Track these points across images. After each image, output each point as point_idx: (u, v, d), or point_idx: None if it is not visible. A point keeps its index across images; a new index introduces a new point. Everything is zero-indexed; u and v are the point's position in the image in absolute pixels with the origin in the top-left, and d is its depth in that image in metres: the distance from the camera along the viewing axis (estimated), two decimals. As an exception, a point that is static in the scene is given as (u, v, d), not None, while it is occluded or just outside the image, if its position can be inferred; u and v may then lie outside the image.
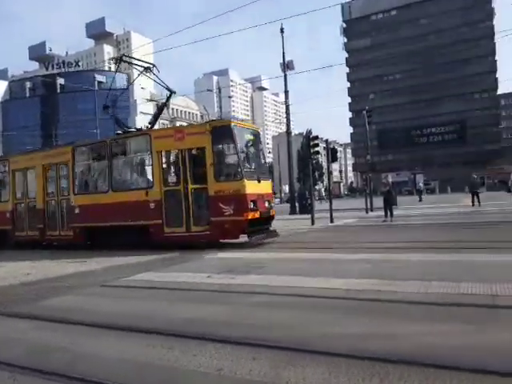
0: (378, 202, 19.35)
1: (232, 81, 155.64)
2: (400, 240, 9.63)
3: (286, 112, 26.45)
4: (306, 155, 16.95)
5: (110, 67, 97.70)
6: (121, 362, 3.14)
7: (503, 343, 2.98)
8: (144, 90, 58.59)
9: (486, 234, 10.07)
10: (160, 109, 13.06)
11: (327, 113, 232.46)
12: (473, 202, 21.13)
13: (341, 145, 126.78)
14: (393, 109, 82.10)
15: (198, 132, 10.37)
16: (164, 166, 10.75)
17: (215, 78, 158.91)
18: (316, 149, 16.85)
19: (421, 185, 40.49)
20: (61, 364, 3.13)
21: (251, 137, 11.10)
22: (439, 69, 77.93)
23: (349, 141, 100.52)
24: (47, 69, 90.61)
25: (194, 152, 10.40)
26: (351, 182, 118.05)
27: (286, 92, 26.17)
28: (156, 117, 12.80)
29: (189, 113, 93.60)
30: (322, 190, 59.63)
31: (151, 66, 12.34)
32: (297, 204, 25.42)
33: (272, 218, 11.37)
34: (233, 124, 10.53)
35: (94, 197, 11.65)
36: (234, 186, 9.84)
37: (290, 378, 2.63)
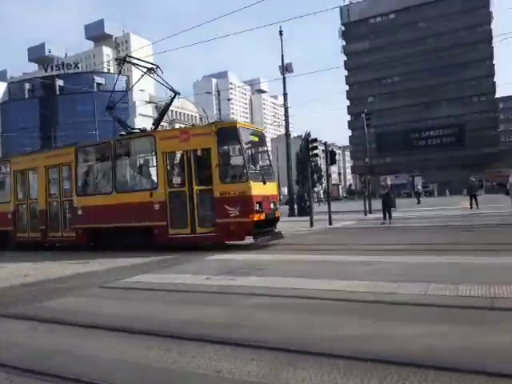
0: (377, 204, 19.36)
1: (231, 83, 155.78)
2: (399, 242, 9.64)
3: (285, 114, 26.49)
4: (305, 158, 17.00)
5: (109, 69, 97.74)
6: (119, 363, 3.13)
7: (502, 345, 2.99)
8: (143, 92, 58.64)
9: (484, 236, 10.07)
10: (164, 110, 13.00)
11: (326, 115, 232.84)
12: (471, 204, 21.17)
13: (339, 147, 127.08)
14: (391, 112, 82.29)
15: (204, 133, 10.34)
16: (169, 167, 10.70)
17: (214, 80, 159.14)
18: (315, 151, 16.87)
19: (419, 187, 40.58)
20: (58, 366, 3.12)
21: (256, 138, 11.07)
22: (438, 72, 78.17)
23: (347, 143, 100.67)
24: (46, 70, 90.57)
25: (199, 153, 10.36)
26: (350, 185, 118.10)
27: (285, 95, 26.22)
28: (160, 118, 12.75)
29: (188, 115, 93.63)
30: (321, 192, 59.66)
31: (155, 66, 12.28)
32: (295, 206, 25.44)
33: (277, 219, 11.34)
34: (239, 125, 10.50)
35: (98, 198, 11.61)
36: (240, 187, 9.81)
37: (288, 379, 2.63)
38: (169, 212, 10.27)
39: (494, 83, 78.57)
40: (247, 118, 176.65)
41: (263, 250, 9.65)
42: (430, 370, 2.62)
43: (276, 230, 11.22)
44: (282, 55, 25.84)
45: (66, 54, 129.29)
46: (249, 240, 10.27)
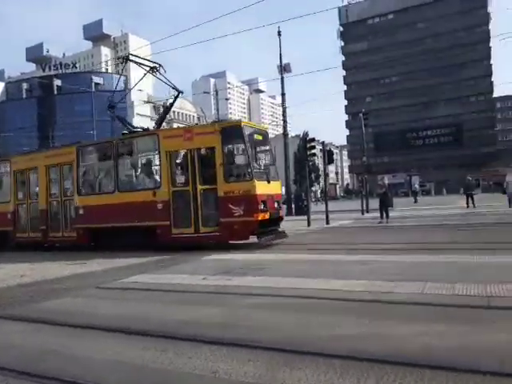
0: (374, 203, 19.40)
1: (229, 83, 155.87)
2: (396, 241, 9.65)
3: (283, 114, 26.53)
4: (303, 157, 16.98)
5: (107, 69, 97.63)
6: (115, 364, 3.12)
7: (499, 344, 2.99)
8: (141, 92, 58.59)
9: (480, 235, 10.10)
10: (167, 108, 12.92)
11: (324, 115, 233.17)
12: (467, 203, 21.23)
13: (337, 147, 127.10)
14: (389, 112, 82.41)
15: (208, 132, 10.27)
16: (172, 166, 10.58)
17: (212, 80, 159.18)
18: (312, 151, 16.90)
19: (416, 186, 40.77)
20: (54, 367, 3.10)
21: (260, 137, 11.02)
22: (436, 72, 78.33)
23: (345, 143, 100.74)
24: (44, 70, 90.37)
25: (203, 152, 10.31)
26: (347, 184, 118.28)
27: (283, 94, 26.24)
28: (163, 116, 12.68)
29: (186, 115, 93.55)
30: (318, 191, 59.69)
31: (157, 65, 12.17)
32: (293, 205, 25.44)
33: (281, 218, 11.30)
34: (243, 124, 10.43)
35: (100, 197, 11.52)
36: (244, 186, 9.75)
37: (285, 379, 2.62)
38: (172, 211, 10.20)
39: (491, 83, 78.79)
40: (245, 117, 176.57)
41: (260, 250, 9.64)
42: (427, 369, 2.62)
43: (280, 229, 11.17)
44: (281, 55, 25.88)
45: (64, 54, 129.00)
46: (251, 239, 10.19)
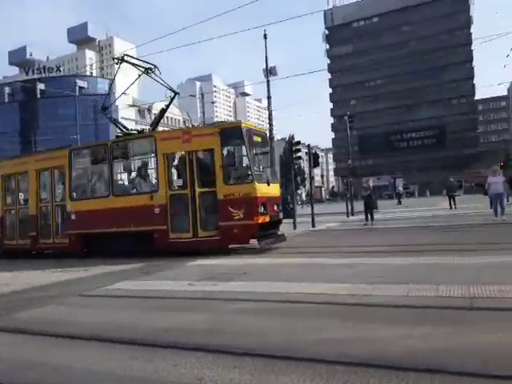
0: (359, 206, 19.53)
1: (215, 86, 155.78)
2: (380, 244, 9.73)
3: (269, 117, 26.54)
4: (289, 160, 17.00)
5: (91, 72, 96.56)
6: (96, 374, 3.06)
7: (482, 345, 3.02)
8: (126, 96, 58.13)
9: (463, 236, 10.24)
10: (163, 110, 12.76)
11: (310, 118, 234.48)
12: (450, 204, 21.53)
13: (322, 150, 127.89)
14: (374, 114, 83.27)
15: (207, 133, 10.12)
16: (170, 168, 10.37)
17: (198, 83, 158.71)
18: (298, 154, 16.94)
19: (400, 189, 41.30)
20: (34, 378, 3.04)
21: (259, 138, 10.81)
22: (419, 75, 79.46)
23: (330, 146, 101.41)
24: (27, 74, 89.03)
25: (201, 154, 10.14)
26: (333, 187, 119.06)
27: (269, 98, 26.27)
28: (159, 118, 12.42)
29: (171, 118, 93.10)
30: (304, 194, 59.94)
31: (153, 66, 11.96)
32: (279, 209, 25.45)
33: (280, 221, 11.15)
34: (243, 125, 10.21)
35: (93, 202, 11.17)
36: (245, 188, 9.54)
37: (270, 385, 2.61)
38: (170, 215, 9.96)
39: (473, 85, 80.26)
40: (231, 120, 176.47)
41: (246, 255, 9.59)
42: (411, 372, 2.63)
43: (279, 233, 11.03)
44: (266, 58, 25.86)
45: (47, 58, 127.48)
46: (251, 243, 10.03)
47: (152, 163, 10.66)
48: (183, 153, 10.24)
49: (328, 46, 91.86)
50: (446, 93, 79.42)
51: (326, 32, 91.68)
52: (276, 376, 2.73)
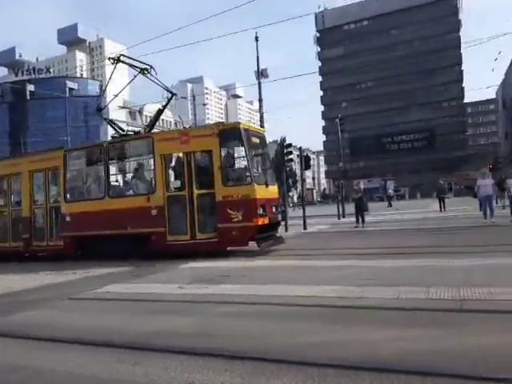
0: (350, 208, 19.60)
1: (207, 88, 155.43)
2: (371, 246, 9.76)
3: (261, 120, 26.54)
4: (280, 163, 17.02)
5: (81, 74, 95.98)
6: (82, 378, 3.03)
7: (471, 347, 3.04)
8: (116, 97, 57.85)
9: (452, 238, 10.32)
10: (160, 111, 12.69)
11: (301, 120, 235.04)
12: (440, 207, 21.69)
13: (313, 152, 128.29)
14: (365, 117, 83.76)
15: (205, 134, 10.00)
16: (167, 170, 10.21)
17: (190, 85, 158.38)
18: (290, 156, 16.96)
19: (390, 191, 41.53)
20: (17, 381, 3.01)
21: (258, 140, 10.70)
22: (409, 78, 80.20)
23: (322, 148, 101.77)
24: (16, 75, 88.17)
25: (199, 155, 10.02)
26: (324, 189, 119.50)
27: (260, 100, 26.29)
28: (155, 119, 12.28)
29: (163, 120, 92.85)
30: (295, 196, 60.02)
31: (149, 67, 11.82)
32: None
33: (279, 223, 11.02)
34: (242, 126, 10.09)
35: (89, 204, 10.98)
36: (244, 190, 9.45)
37: (261, 389, 2.60)
38: (167, 217, 9.81)
39: (462, 88, 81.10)
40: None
41: (236, 257, 9.53)
42: (402, 374, 2.64)
43: (277, 235, 10.95)
44: (258, 61, 25.91)
45: (37, 59, 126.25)
46: (247, 246, 9.98)
47: (150, 164, 10.53)
48: (181, 154, 10.16)
49: (319, 49, 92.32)
50: (436, 96, 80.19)
51: (317, 34, 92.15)
52: (267, 379, 2.72)
